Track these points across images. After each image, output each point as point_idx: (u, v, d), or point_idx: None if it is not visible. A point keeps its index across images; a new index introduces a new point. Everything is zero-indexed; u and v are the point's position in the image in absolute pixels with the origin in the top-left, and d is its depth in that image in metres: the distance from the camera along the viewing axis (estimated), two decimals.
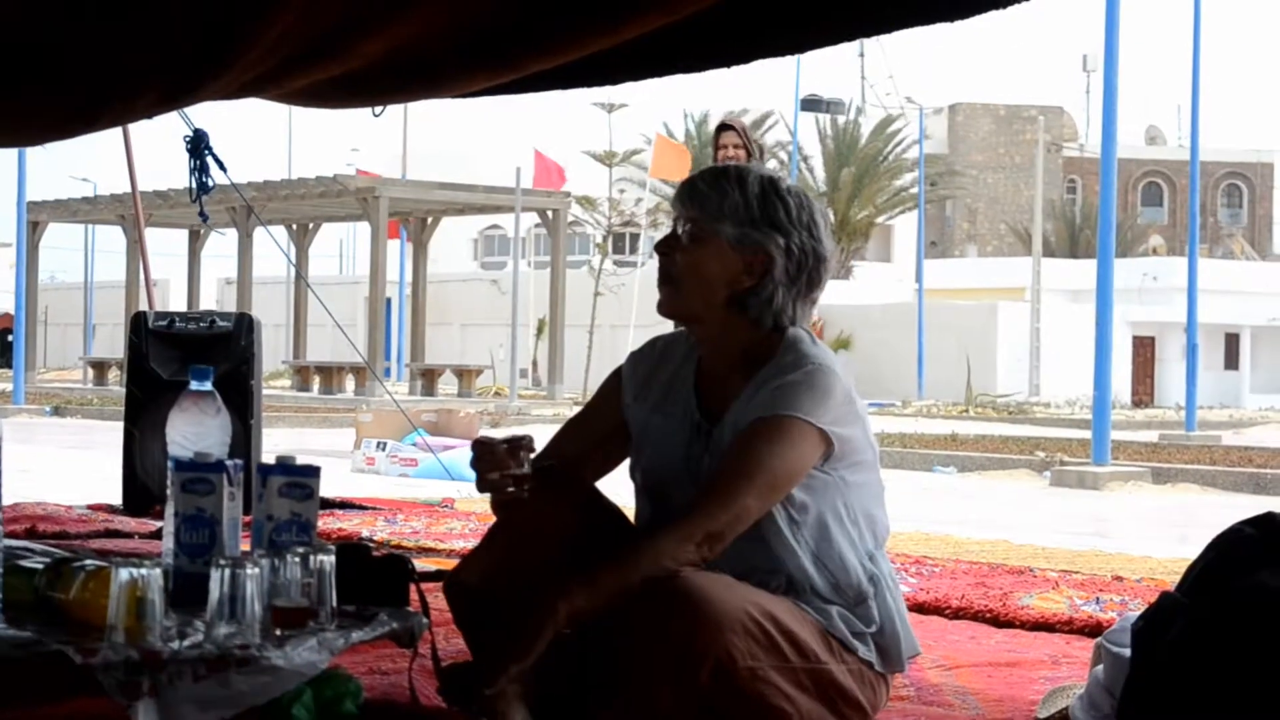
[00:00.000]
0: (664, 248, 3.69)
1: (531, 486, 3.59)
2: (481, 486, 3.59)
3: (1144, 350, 47.51)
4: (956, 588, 6.18)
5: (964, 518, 11.29)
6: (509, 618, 3.46)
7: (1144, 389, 47.16)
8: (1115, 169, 16.09)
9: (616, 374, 3.88)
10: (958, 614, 5.65)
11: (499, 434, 3.68)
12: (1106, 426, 15.97)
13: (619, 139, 45.82)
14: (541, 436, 3.81)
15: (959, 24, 4.87)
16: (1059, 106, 75.39)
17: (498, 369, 41.43)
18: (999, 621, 5.52)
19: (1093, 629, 5.16)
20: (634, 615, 3.41)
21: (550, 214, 35.72)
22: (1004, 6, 4.56)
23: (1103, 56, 16.14)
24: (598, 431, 3.84)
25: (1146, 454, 19.05)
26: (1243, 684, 3.33)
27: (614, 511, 3.72)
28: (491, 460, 3.56)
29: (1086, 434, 17.38)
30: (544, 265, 43.82)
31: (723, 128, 10.29)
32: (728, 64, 5.40)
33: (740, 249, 3.62)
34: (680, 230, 3.67)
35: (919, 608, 5.67)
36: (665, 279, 3.68)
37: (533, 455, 3.59)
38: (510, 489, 3.56)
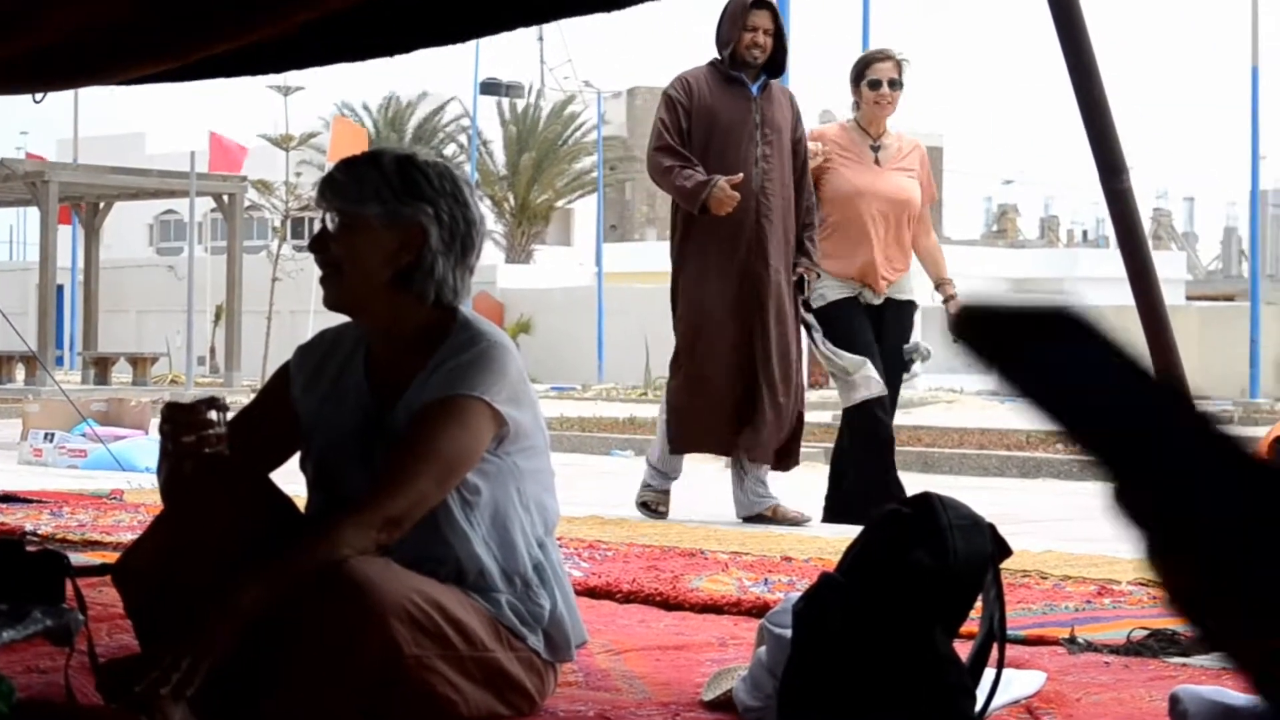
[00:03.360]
0: (317, 245, 3.67)
1: (202, 474, 3.54)
2: (178, 450, 3.53)
3: None
4: (628, 571, 6.21)
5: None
6: (181, 610, 3.40)
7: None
8: None
9: (284, 367, 3.85)
10: (628, 598, 5.68)
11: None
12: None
13: (296, 122, 45.35)
14: None
15: (635, 8, 4.91)
16: None
17: (174, 356, 40.67)
18: (669, 604, 5.55)
19: (760, 610, 5.19)
20: (301, 604, 3.38)
21: (226, 198, 35.23)
22: None
23: None
24: (266, 426, 3.80)
25: (821, 434, 19.33)
26: (897, 661, 3.40)
27: (285, 502, 3.69)
28: (186, 421, 3.52)
29: None
30: (221, 250, 43.18)
31: (757, 4, 8.55)
32: (389, 53, 5.38)
33: (392, 226, 3.62)
34: (330, 223, 3.66)
35: (590, 592, 5.68)
36: (326, 274, 3.67)
37: (226, 415, 3.56)
38: (209, 449, 3.51)
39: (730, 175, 8.31)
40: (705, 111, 8.52)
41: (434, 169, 3.67)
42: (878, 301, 8.83)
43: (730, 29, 8.52)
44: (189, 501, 3.59)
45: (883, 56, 9.00)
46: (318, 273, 3.69)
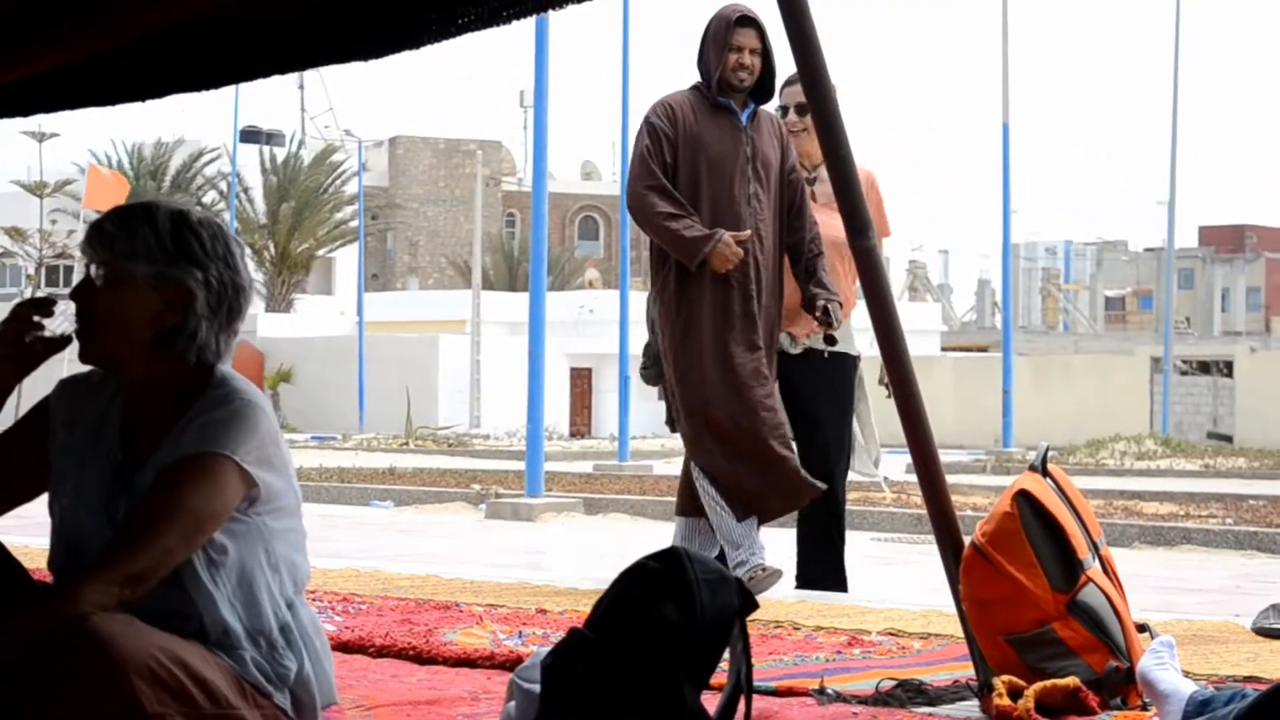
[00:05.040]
0: (79, 296, 3.61)
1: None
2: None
3: (581, 381, 48.47)
4: (382, 625, 6.17)
5: (398, 552, 11.32)
6: None
7: (582, 420, 48.08)
8: (546, 203, 16.38)
9: (44, 403, 3.77)
10: (381, 652, 5.64)
11: None
12: (539, 458, 16.22)
13: (51, 169, 44.67)
14: None
15: (392, 58, 4.90)
16: (497, 141, 76.41)
17: None
18: (422, 658, 5.52)
19: (514, 663, 5.20)
20: (37, 661, 3.32)
21: None
22: (416, 47, 4.61)
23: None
24: (15, 459, 3.72)
25: (580, 485, 19.42)
26: (644, 715, 3.41)
27: (10, 561, 3.61)
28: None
29: (523, 465, 17.65)
30: None
31: (742, 21, 7.63)
32: (142, 98, 5.31)
33: (158, 287, 3.57)
34: (94, 274, 3.60)
35: (343, 646, 5.63)
36: (84, 326, 3.61)
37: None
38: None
39: (729, 224, 7.52)
40: (692, 143, 7.65)
41: (208, 229, 3.63)
42: (795, 350, 7.98)
43: (713, 50, 7.65)
44: None
45: (792, 80, 8.03)
46: (71, 321, 3.65)
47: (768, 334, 7.63)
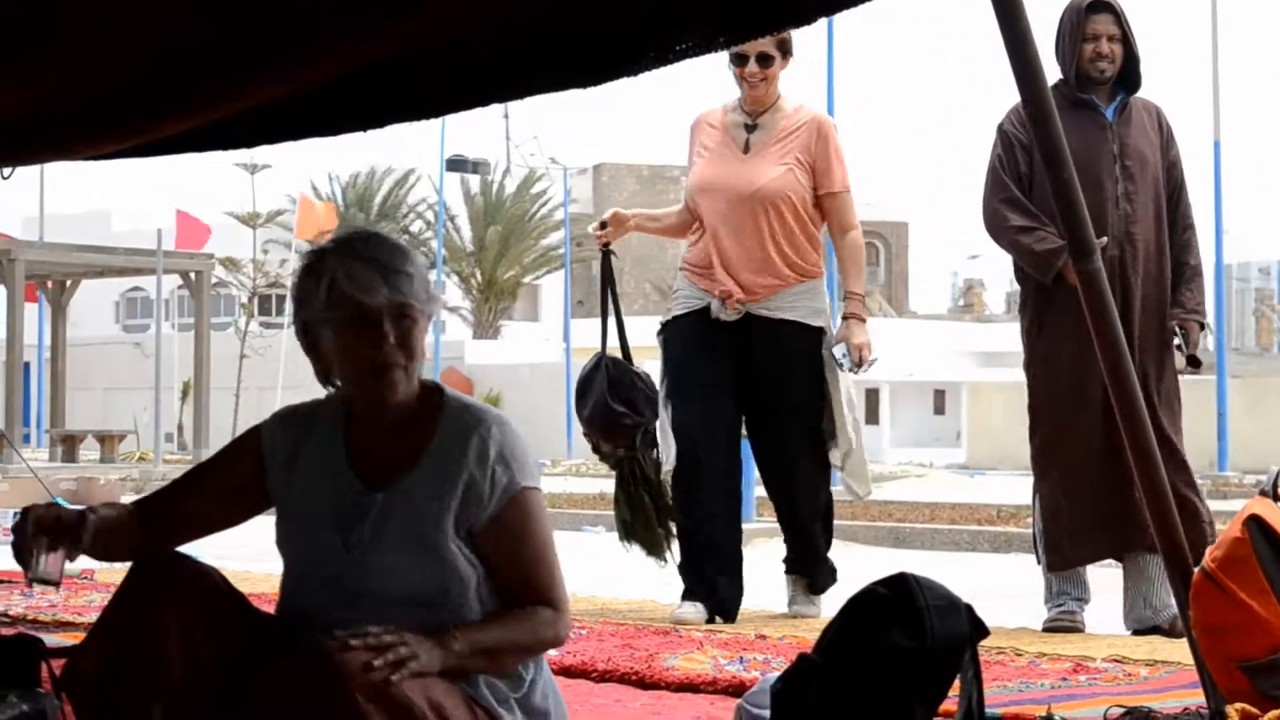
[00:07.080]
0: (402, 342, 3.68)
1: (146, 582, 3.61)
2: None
3: None
4: (603, 650, 6.21)
5: (614, 578, 11.34)
6: (130, 711, 3.41)
7: None
8: None
9: (255, 432, 3.82)
10: (604, 677, 5.67)
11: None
12: (750, 483, 16.20)
13: (263, 200, 45.46)
14: None
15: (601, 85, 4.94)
16: None
17: (142, 433, 40.61)
18: (644, 683, 5.55)
19: (736, 689, 5.21)
20: (275, 679, 3.38)
21: (193, 276, 35.24)
22: (635, 74, 4.63)
23: None
24: (226, 487, 3.79)
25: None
26: None
27: (234, 594, 3.67)
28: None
29: None
30: (188, 327, 43.19)
31: (1094, 7, 7.15)
32: (363, 128, 5.40)
33: (428, 316, 3.70)
34: (407, 312, 3.67)
35: (565, 671, 5.67)
36: (403, 367, 3.66)
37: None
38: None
39: (1095, 231, 6.43)
40: None
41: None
42: (728, 317, 7.58)
43: (1069, 42, 7.14)
44: (136, 601, 3.59)
45: None
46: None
47: (1140, 350, 6.86)
